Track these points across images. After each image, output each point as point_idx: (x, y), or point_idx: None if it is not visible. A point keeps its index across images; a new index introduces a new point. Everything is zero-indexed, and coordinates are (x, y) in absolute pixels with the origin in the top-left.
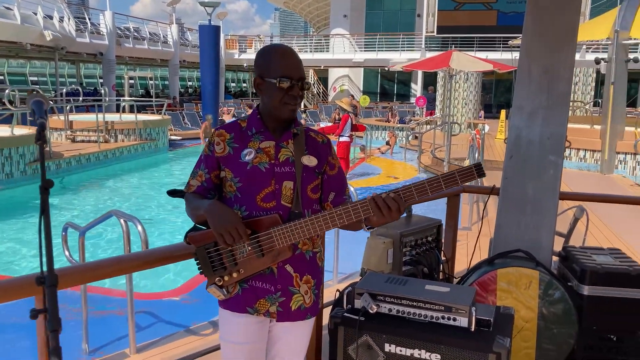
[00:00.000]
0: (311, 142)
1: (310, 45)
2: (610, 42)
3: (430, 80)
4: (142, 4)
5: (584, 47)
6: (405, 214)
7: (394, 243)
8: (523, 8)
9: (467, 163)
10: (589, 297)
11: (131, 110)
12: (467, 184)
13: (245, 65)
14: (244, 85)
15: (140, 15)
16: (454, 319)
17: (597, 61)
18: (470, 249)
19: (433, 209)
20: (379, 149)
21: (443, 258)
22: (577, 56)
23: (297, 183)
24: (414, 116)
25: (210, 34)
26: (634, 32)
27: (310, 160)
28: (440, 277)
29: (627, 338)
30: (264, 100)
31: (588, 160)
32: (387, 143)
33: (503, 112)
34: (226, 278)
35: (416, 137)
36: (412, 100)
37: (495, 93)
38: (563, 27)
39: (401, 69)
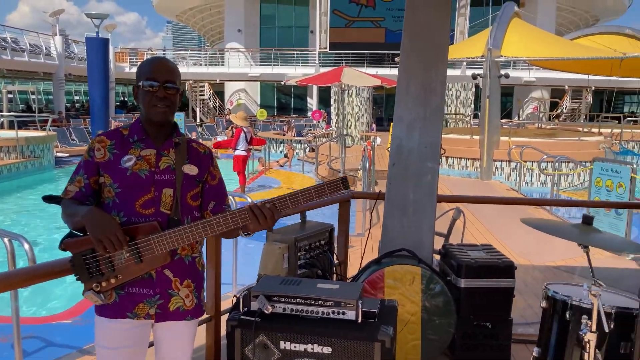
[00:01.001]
0: (193, 151)
1: (205, 59)
2: (484, 59)
3: (325, 95)
4: (20, 14)
5: (465, 63)
6: (300, 220)
7: (289, 248)
8: None
9: (360, 173)
10: (465, 289)
11: (11, 127)
12: (357, 191)
13: None
14: None
15: (18, 25)
16: (343, 313)
17: (474, 77)
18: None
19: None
20: (277, 161)
21: (336, 261)
22: (459, 72)
23: (177, 191)
24: (310, 129)
25: (99, 47)
26: (505, 51)
27: (191, 169)
28: (334, 279)
29: (499, 324)
30: (140, 107)
31: (469, 168)
32: (285, 156)
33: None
34: (104, 284)
35: (313, 150)
36: (309, 114)
37: (386, 107)
38: (435, 47)
39: (296, 84)
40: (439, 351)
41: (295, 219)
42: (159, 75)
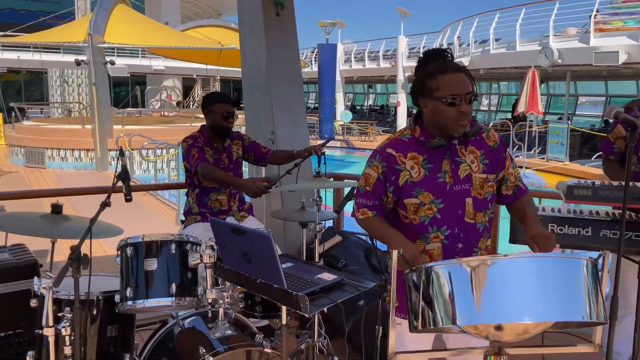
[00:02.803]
0: None
1: None
2: (87, 44)
3: None
4: None
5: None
6: None
7: None
8: None
9: None
10: None
11: None
12: None
13: None
14: None
15: None
16: None
17: (78, 62)
18: None
19: None
20: None
21: None
22: (60, 57)
23: None
24: None
25: None
26: (108, 37)
27: None
28: None
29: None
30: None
31: (84, 160)
32: None
33: None
34: None
35: None
36: None
37: None
38: None
39: None
40: None
41: None
42: None
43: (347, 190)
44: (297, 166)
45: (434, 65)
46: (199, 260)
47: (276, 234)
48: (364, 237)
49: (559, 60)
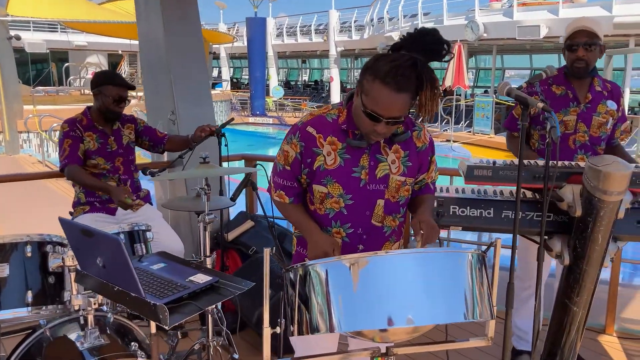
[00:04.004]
0: None
1: None
2: None
3: None
4: None
5: None
6: None
7: None
8: None
9: None
10: None
11: None
12: None
13: None
14: None
15: None
16: None
17: None
18: None
19: None
20: None
21: None
22: None
23: None
24: None
25: None
26: (11, 9)
27: None
28: None
29: None
30: None
31: None
32: None
33: None
34: None
35: None
36: None
37: None
38: None
39: None
40: None
41: None
42: None
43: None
44: (191, 150)
45: (385, 65)
46: (61, 264)
47: (181, 224)
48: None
49: (485, 34)
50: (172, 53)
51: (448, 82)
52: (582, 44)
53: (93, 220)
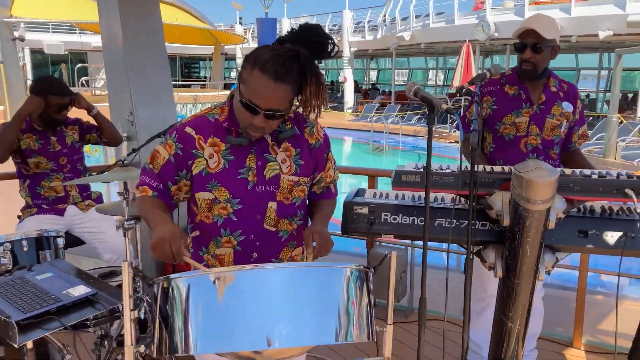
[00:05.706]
0: None
1: None
2: None
3: None
4: None
5: None
6: None
7: None
8: None
9: None
10: None
11: None
12: None
13: None
14: None
15: None
16: None
17: None
18: None
19: None
20: None
21: None
22: None
23: None
24: None
25: None
26: (16, 11)
27: None
28: None
29: None
30: None
31: None
32: None
33: None
34: None
35: None
36: None
37: None
38: None
39: None
40: None
41: None
42: None
43: None
44: (135, 152)
45: (266, 54)
46: None
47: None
48: None
49: (496, 34)
50: (129, 51)
51: (457, 82)
52: (529, 45)
53: (37, 222)
